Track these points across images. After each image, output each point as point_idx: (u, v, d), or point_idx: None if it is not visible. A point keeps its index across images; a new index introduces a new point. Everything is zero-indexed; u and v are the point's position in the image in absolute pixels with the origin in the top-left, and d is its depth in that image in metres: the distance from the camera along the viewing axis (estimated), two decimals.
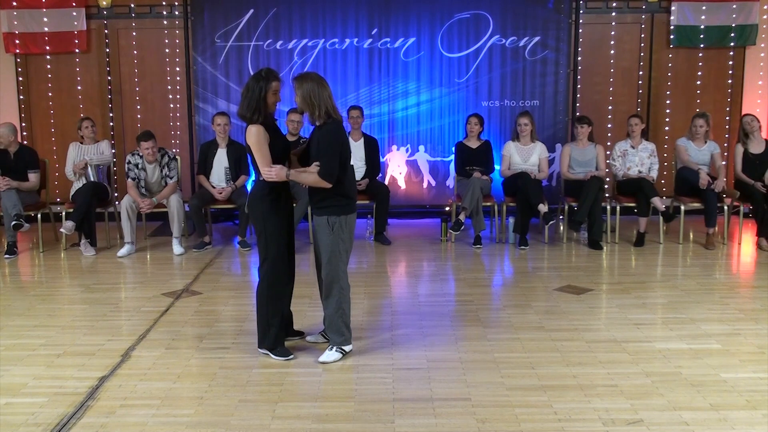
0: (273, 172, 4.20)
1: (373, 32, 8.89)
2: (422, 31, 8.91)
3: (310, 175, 4.26)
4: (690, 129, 7.89)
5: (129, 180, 7.47)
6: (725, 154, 8.84)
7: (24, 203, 7.39)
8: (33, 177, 7.72)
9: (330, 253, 4.35)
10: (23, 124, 9.13)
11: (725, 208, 7.60)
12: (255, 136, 4.26)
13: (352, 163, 4.50)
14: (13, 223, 7.15)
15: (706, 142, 7.81)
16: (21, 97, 9.19)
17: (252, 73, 8.64)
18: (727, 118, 9.27)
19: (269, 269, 4.41)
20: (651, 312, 5.37)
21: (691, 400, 3.81)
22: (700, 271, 6.58)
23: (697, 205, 7.69)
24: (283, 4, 8.81)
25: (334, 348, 4.44)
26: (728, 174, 8.22)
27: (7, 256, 7.25)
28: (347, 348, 4.48)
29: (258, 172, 4.36)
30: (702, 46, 9.11)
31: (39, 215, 7.74)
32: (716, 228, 7.51)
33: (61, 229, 7.39)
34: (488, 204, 7.92)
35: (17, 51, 9.02)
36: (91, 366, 4.38)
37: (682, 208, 7.67)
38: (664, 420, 3.58)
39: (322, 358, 4.40)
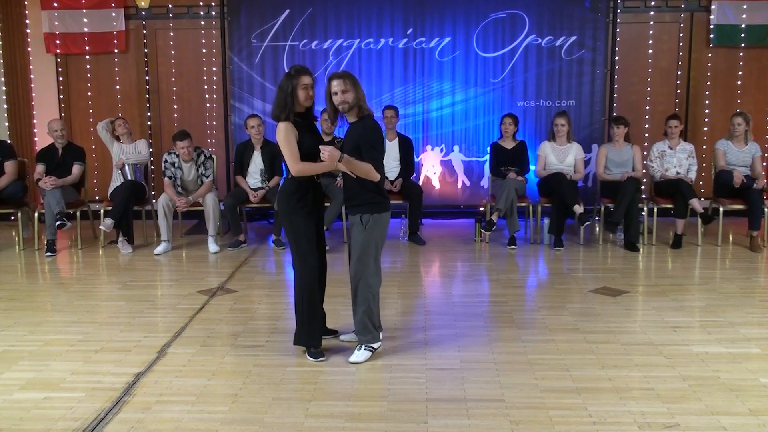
0: (326, 153, 4.14)
1: (408, 32, 8.89)
2: (457, 30, 8.89)
3: (363, 164, 4.22)
4: (729, 129, 7.77)
5: (165, 179, 7.57)
6: (766, 155, 8.67)
7: (65, 200, 7.51)
8: (76, 169, 7.85)
9: (361, 250, 4.33)
10: None
11: (766, 210, 7.45)
12: (282, 133, 4.29)
13: (385, 162, 4.49)
14: (58, 223, 7.29)
15: (747, 142, 7.67)
16: (61, 96, 9.37)
17: None
18: None
19: (300, 267, 4.41)
20: (688, 315, 5.29)
21: (729, 405, 3.74)
22: (740, 274, 6.46)
23: (737, 206, 7.55)
24: (318, 5, 8.85)
25: (363, 346, 4.44)
26: None
27: (48, 254, 7.37)
28: (376, 345, 4.47)
29: (287, 170, 4.38)
30: (743, 45, 8.96)
31: (78, 213, 7.88)
32: (761, 230, 7.38)
33: (100, 227, 7.50)
34: (523, 204, 7.88)
35: (58, 51, 9.19)
36: (128, 362, 4.44)
37: (721, 209, 7.54)
38: (702, 424, 3.52)
39: (352, 358, 4.40)
